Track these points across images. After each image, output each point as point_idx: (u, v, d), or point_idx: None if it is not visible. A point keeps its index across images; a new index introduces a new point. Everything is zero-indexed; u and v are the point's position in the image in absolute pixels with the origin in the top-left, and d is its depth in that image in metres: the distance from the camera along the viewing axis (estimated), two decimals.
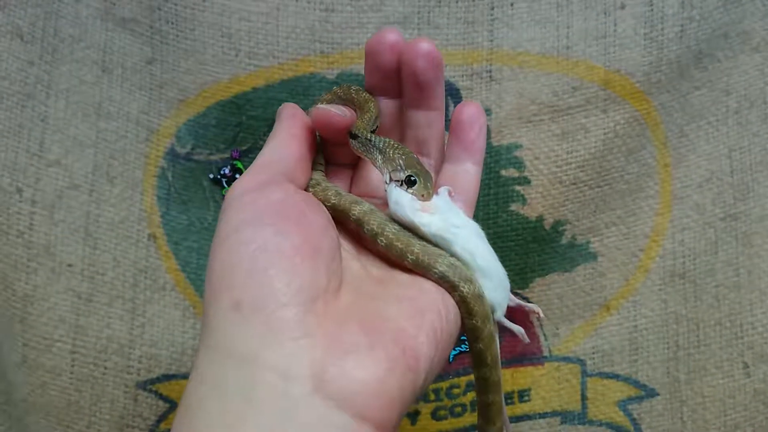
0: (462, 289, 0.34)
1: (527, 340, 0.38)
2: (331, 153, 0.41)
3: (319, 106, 0.38)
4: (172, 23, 0.50)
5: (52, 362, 0.49)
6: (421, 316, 0.32)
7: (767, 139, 0.53)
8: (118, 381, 0.50)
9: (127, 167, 0.51)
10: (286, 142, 0.36)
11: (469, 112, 0.38)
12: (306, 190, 0.37)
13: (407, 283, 0.34)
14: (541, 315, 0.39)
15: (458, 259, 0.35)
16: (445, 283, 0.34)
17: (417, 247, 0.35)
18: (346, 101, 0.40)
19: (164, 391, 0.51)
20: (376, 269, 0.36)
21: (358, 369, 0.29)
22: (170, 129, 0.52)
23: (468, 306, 0.35)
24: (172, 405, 0.51)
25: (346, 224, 0.37)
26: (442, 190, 0.37)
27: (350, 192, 0.40)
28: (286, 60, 0.51)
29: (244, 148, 0.52)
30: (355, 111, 0.39)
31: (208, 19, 0.50)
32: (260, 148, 0.51)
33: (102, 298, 0.50)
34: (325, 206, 0.36)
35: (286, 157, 0.36)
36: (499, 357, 0.37)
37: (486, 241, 0.37)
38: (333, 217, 0.36)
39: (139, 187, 0.52)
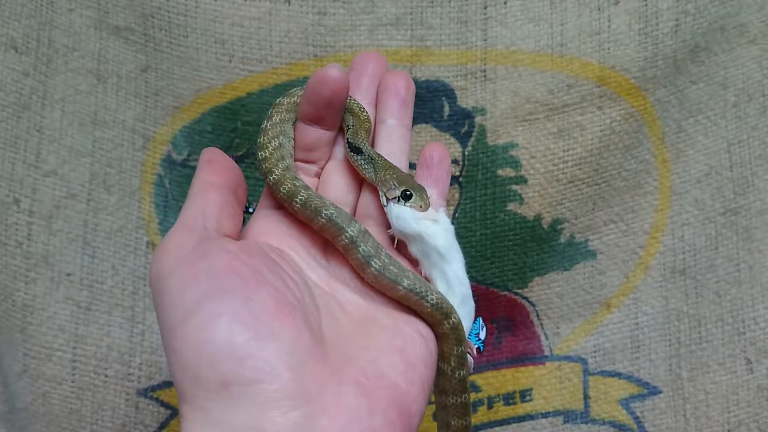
0: (454, 317, 0.35)
1: (471, 371, 0.39)
2: (302, 143, 0.39)
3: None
4: (166, 30, 0.50)
5: (53, 371, 0.50)
6: (413, 370, 0.32)
7: (766, 133, 0.52)
8: (119, 389, 0.50)
9: (124, 175, 0.52)
10: (202, 193, 0.34)
11: (439, 154, 0.39)
12: (285, 195, 0.36)
13: (389, 328, 0.34)
14: (473, 359, 0.39)
15: (448, 280, 0.37)
16: (438, 311, 0.35)
17: (411, 275, 0.35)
18: None
19: (165, 398, 0.51)
20: (353, 306, 0.35)
21: None
22: (166, 136, 0.52)
23: (459, 333, 0.35)
24: (174, 412, 0.51)
25: (335, 244, 0.36)
26: (441, 209, 0.38)
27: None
28: (279, 64, 0.51)
29: (240, 153, 0.52)
30: (347, 116, 0.39)
31: (201, 25, 0.50)
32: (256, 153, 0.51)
33: (101, 306, 0.51)
34: (316, 222, 0.35)
35: (207, 208, 0.34)
36: None
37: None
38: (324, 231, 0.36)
39: (136, 195, 0.52)
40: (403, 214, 0.36)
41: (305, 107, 0.37)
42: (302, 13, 0.51)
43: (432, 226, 0.37)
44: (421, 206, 0.36)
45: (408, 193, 0.36)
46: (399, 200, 0.36)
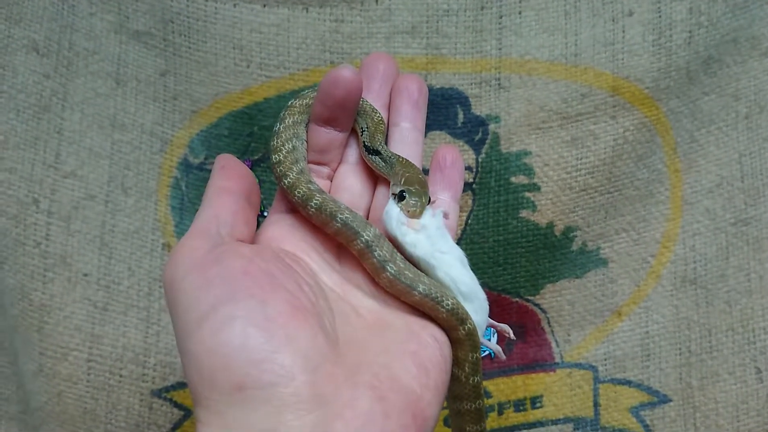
0: (469, 323, 0.35)
1: (503, 357, 0.39)
2: (315, 144, 0.38)
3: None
4: (185, 35, 0.51)
5: (69, 371, 0.50)
6: (427, 374, 0.32)
7: None
8: (134, 389, 0.51)
9: (142, 178, 0.52)
10: (216, 198, 0.35)
11: (452, 156, 0.39)
12: (300, 198, 0.35)
13: (403, 332, 0.34)
14: (511, 336, 0.39)
15: (440, 284, 0.36)
16: (454, 316, 0.35)
17: (426, 280, 0.35)
18: None
19: (179, 399, 0.51)
20: (367, 310, 0.35)
21: None
22: (183, 139, 0.52)
23: (474, 339, 0.35)
24: (187, 413, 0.51)
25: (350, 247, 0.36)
26: (438, 212, 0.37)
27: None
28: (296, 70, 0.51)
29: (256, 157, 0.52)
30: (359, 118, 0.39)
31: (220, 31, 0.51)
32: None
33: (117, 306, 0.51)
34: (331, 226, 0.35)
35: (221, 214, 0.34)
36: None
37: (468, 266, 0.37)
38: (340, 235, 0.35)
39: (153, 197, 0.52)
40: (390, 212, 0.36)
41: (318, 108, 0.37)
42: (320, 20, 0.51)
43: (411, 234, 0.35)
44: (408, 211, 0.35)
45: (403, 194, 0.35)
46: (395, 198, 0.36)
